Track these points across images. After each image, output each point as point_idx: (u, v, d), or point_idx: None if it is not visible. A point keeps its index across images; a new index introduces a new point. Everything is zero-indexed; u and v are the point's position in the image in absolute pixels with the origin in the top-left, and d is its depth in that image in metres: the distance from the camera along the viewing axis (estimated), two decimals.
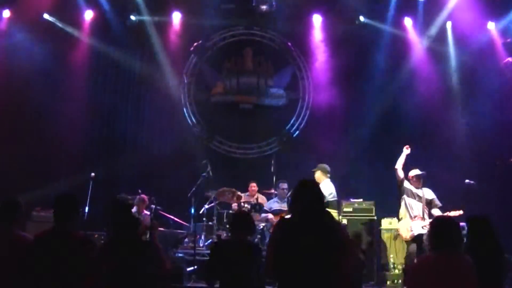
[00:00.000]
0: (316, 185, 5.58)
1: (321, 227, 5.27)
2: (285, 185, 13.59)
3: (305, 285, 5.14)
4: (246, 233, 6.88)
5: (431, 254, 5.79)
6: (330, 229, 5.31)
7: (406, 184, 11.86)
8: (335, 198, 12.12)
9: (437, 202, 11.76)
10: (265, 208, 13.55)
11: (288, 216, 5.73)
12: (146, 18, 16.02)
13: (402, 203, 11.86)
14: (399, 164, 11.83)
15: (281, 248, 5.30)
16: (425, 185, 11.97)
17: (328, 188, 11.98)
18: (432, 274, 5.55)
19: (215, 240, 12.52)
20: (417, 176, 11.81)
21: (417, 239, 11.48)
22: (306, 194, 5.42)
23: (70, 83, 15.81)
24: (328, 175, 12.30)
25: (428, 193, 11.87)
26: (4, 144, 14.53)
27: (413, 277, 5.84)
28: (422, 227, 11.46)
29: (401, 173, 11.81)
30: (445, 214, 10.94)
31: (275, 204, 13.64)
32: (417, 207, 11.69)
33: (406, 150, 11.89)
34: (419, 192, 11.81)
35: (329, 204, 11.53)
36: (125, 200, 6.03)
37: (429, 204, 11.77)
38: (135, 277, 5.53)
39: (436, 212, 11.61)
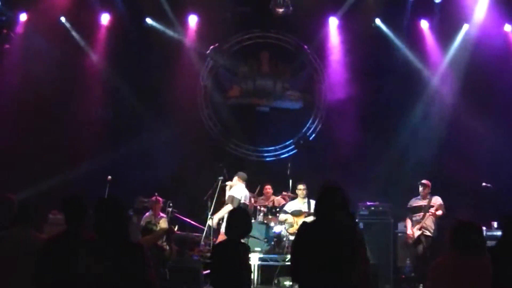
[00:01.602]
0: (339, 188, 5.44)
1: (341, 231, 5.23)
2: (303, 186, 13.56)
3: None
4: (238, 233, 6.79)
5: (452, 256, 5.74)
6: (350, 233, 5.27)
7: (411, 202, 12.59)
8: (243, 201, 12.45)
9: (443, 211, 12.13)
10: (285, 209, 13.57)
11: (310, 220, 5.70)
12: (163, 20, 16.05)
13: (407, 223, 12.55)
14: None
15: (302, 252, 5.29)
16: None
17: (239, 191, 12.55)
18: (453, 276, 5.55)
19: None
20: (422, 184, 12.36)
21: (418, 241, 11.82)
22: (329, 197, 5.38)
23: (87, 85, 15.89)
24: (244, 182, 12.85)
25: (435, 200, 12.31)
26: (21, 145, 14.65)
27: (434, 279, 5.81)
28: (420, 229, 11.84)
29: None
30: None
31: (294, 205, 13.64)
32: (417, 219, 12.30)
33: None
34: (424, 202, 12.34)
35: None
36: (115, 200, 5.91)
37: (430, 208, 12.22)
38: (118, 281, 5.48)
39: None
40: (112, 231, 5.57)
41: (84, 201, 6.16)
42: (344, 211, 5.38)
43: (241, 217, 6.86)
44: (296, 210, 13.34)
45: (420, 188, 12.38)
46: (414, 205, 12.44)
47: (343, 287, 5.13)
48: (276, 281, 12.07)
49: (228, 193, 12.68)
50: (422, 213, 12.20)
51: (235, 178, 12.83)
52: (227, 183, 12.89)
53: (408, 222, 12.48)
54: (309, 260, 5.19)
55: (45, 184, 13.95)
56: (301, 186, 13.55)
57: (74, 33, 15.78)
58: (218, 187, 13.02)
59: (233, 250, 6.52)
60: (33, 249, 6.08)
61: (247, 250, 6.75)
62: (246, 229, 6.87)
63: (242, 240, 6.79)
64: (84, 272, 5.52)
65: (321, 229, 5.26)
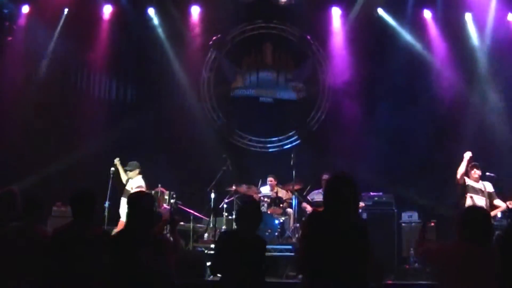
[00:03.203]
0: (352, 180, 5.28)
1: (352, 225, 5.19)
2: (327, 176, 13.57)
3: (334, 282, 5.08)
4: (251, 225, 6.74)
5: (460, 244, 5.71)
6: (360, 227, 5.25)
7: (468, 181, 11.87)
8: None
9: (495, 195, 11.86)
10: (308, 198, 13.62)
11: (320, 210, 5.62)
12: (165, 11, 16.03)
13: (468, 201, 11.72)
14: (460, 173, 11.77)
15: (312, 245, 5.18)
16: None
17: (139, 182, 12.86)
18: (461, 264, 5.52)
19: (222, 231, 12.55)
20: (473, 166, 11.87)
21: None
22: (341, 189, 5.23)
23: (91, 79, 15.91)
24: (139, 170, 13.15)
25: (488, 186, 11.91)
26: (22, 136, 14.68)
27: (440, 265, 5.80)
28: None
29: (460, 178, 11.80)
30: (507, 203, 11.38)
31: (318, 196, 13.64)
32: (481, 202, 11.62)
33: (467, 156, 11.76)
34: (480, 186, 11.86)
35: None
36: (144, 194, 6.17)
37: (490, 196, 11.83)
38: (141, 271, 5.54)
39: (498, 202, 11.80)
40: (144, 225, 5.70)
41: (94, 196, 6.21)
42: (354, 206, 5.34)
43: (254, 210, 6.83)
44: (318, 201, 13.38)
45: (475, 170, 11.86)
46: (475, 187, 11.79)
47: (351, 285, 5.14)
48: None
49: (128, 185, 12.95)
50: (483, 198, 11.70)
51: (133, 172, 13.09)
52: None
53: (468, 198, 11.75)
54: (318, 256, 5.12)
55: (48, 174, 14.04)
56: (326, 177, 13.56)
57: (76, 25, 15.78)
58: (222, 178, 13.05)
59: (252, 244, 6.52)
60: (37, 241, 6.12)
61: (265, 244, 6.77)
62: (259, 221, 6.83)
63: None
64: (95, 266, 5.60)
65: (333, 224, 5.16)
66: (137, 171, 13.03)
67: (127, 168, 13.08)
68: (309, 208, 13.45)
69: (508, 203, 11.48)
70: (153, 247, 5.68)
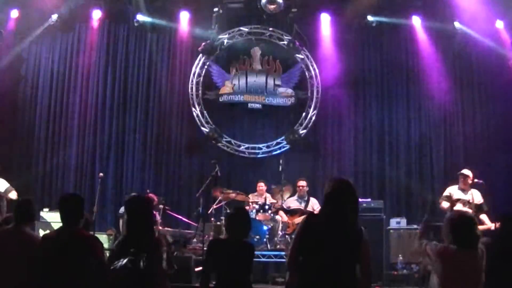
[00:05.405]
0: (352, 186, 5.40)
1: (350, 232, 5.25)
2: (304, 183, 13.58)
3: (326, 284, 5.13)
4: (241, 233, 6.72)
5: (450, 248, 5.78)
6: (357, 234, 5.29)
7: (455, 192, 11.52)
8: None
9: (485, 206, 11.43)
10: (283, 205, 13.58)
11: (316, 212, 5.64)
12: (154, 17, 16.02)
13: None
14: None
15: (307, 246, 5.24)
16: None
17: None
18: (451, 266, 5.69)
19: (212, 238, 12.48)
20: (462, 175, 11.50)
21: None
22: (341, 195, 5.32)
23: (78, 83, 15.86)
24: None
25: (477, 196, 11.44)
26: (9, 142, 14.67)
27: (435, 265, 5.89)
28: None
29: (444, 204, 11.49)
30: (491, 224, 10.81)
31: (294, 203, 13.62)
32: None
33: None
34: (467, 196, 11.41)
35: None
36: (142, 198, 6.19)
37: (478, 208, 11.33)
38: (140, 276, 5.54)
39: (484, 217, 11.22)
40: (142, 228, 5.68)
41: (82, 200, 6.21)
42: (355, 212, 5.39)
43: (245, 216, 6.82)
44: (294, 208, 13.37)
45: (461, 179, 11.43)
46: (456, 197, 11.37)
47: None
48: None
49: None
50: (469, 210, 10.85)
51: None
52: None
53: (445, 204, 11.41)
54: (312, 257, 5.19)
55: (32, 178, 14.03)
56: (302, 183, 13.56)
57: (65, 29, 15.78)
58: (211, 184, 13.03)
59: (241, 250, 6.51)
60: (26, 246, 6.12)
61: (253, 250, 6.74)
62: (249, 228, 6.80)
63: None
64: (85, 269, 5.60)
65: (330, 229, 5.21)
66: None
67: None
68: (284, 218, 13.40)
69: (495, 224, 10.82)
70: (154, 252, 5.71)
